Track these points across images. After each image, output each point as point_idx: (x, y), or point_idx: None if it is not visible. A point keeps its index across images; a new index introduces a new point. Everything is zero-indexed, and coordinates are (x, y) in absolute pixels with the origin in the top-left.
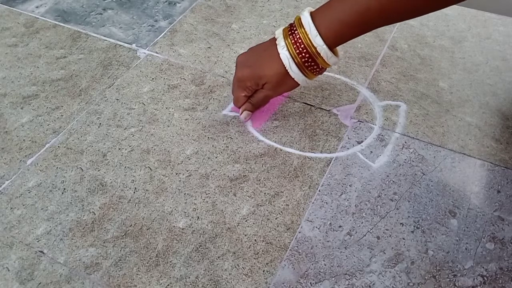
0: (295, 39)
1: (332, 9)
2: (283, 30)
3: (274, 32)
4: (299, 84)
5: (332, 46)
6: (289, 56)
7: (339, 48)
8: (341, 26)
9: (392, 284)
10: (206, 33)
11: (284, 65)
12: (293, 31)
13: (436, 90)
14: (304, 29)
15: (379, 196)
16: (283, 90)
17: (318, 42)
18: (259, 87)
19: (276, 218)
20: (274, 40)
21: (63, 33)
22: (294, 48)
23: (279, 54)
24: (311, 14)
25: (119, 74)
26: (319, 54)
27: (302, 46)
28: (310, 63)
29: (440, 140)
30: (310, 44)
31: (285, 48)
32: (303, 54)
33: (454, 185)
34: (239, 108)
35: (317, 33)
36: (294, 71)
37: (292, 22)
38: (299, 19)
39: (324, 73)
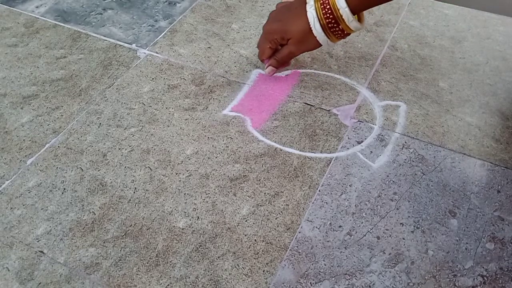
0: (323, 0)
1: None
2: None
3: None
4: (321, 45)
5: (354, 10)
6: (315, 15)
7: (339, 48)
8: None
9: (392, 284)
10: (206, 33)
11: (309, 24)
12: None
13: (436, 90)
14: None
15: (379, 196)
16: (305, 48)
17: (341, 4)
18: (284, 42)
19: (276, 218)
20: None
21: (63, 33)
22: (321, 9)
23: (306, 12)
24: None
25: (119, 74)
26: (342, 17)
27: (328, 7)
28: (333, 25)
29: (440, 140)
30: (335, 7)
31: (313, 8)
32: (328, 15)
33: (454, 185)
34: (263, 60)
35: None
36: (317, 31)
37: None
38: None
39: (324, 73)
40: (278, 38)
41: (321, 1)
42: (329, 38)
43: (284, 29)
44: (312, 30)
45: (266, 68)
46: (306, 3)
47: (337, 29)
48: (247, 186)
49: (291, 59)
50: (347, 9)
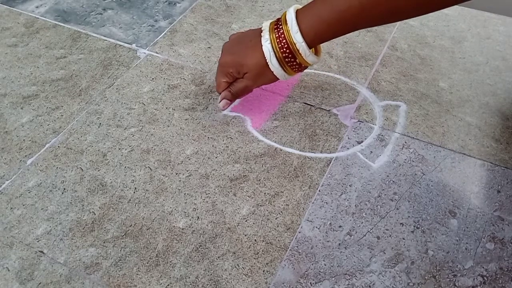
0: (279, 34)
1: (315, 7)
2: (270, 24)
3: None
4: (278, 78)
5: (311, 44)
6: (271, 49)
7: (339, 48)
8: (322, 24)
9: (392, 284)
10: (206, 33)
11: (265, 58)
12: (278, 27)
13: (436, 90)
14: (287, 26)
15: (379, 196)
16: (262, 82)
17: (297, 38)
18: (240, 76)
19: (276, 218)
20: (260, 31)
21: (63, 33)
22: (277, 43)
23: (262, 46)
24: (297, 11)
25: (119, 74)
26: (298, 51)
27: (284, 41)
28: (290, 59)
29: (440, 140)
30: (291, 41)
31: (268, 41)
32: (284, 49)
33: (454, 185)
34: (220, 93)
35: (298, 29)
36: (274, 65)
37: (279, 17)
38: (285, 15)
39: (324, 73)
40: (234, 72)
41: (277, 35)
42: (286, 72)
43: (240, 62)
44: (268, 65)
45: (220, 101)
46: (261, 36)
47: (294, 63)
48: (247, 186)
49: (247, 93)
50: (303, 44)
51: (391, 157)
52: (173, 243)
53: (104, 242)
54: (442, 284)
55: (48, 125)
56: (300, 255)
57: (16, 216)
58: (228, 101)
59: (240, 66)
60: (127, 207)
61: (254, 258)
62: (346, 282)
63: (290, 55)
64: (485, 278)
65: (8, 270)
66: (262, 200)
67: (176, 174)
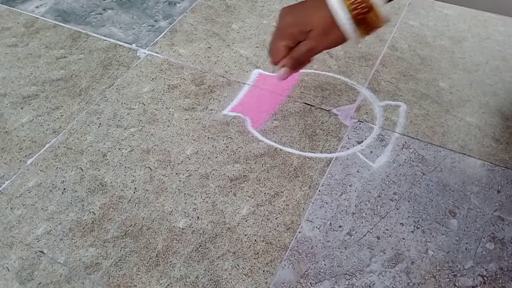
0: None
1: None
2: None
3: None
4: (345, 39)
5: None
6: (341, 2)
7: (339, 48)
8: None
9: (392, 284)
10: (206, 33)
11: (331, 13)
12: None
13: (436, 90)
14: None
15: (379, 196)
16: (329, 42)
17: None
18: (302, 37)
19: (276, 218)
20: None
21: (63, 33)
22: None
23: (327, 3)
24: None
25: (119, 74)
26: (372, 6)
27: None
28: (363, 10)
29: (440, 140)
30: None
31: None
32: (356, 4)
33: (454, 185)
34: (276, 64)
35: None
36: (342, 19)
37: None
38: None
39: (324, 73)
40: (296, 32)
41: None
42: (357, 28)
43: (304, 20)
44: (336, 21)
45: (280, 69)
46: None
47: (365, 15)
48: (247, 186)
49: (311, 57)
50: None
51: (391, 157)
52: (173, 243)
53: (104, 242)
54: (442, 284)
55: (48, 125)
56: (300, 255)
57: (16, 216)
58: (290, 69)
59: (304, 23)
60: (127, 207)
61: (254, 258)
62: (346, 282)
63: (362, 9)
64: (485, 278)
65: (8, 270)
66: (262, 200)
67: (176, 174)
